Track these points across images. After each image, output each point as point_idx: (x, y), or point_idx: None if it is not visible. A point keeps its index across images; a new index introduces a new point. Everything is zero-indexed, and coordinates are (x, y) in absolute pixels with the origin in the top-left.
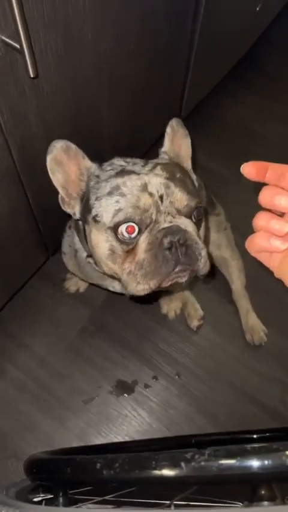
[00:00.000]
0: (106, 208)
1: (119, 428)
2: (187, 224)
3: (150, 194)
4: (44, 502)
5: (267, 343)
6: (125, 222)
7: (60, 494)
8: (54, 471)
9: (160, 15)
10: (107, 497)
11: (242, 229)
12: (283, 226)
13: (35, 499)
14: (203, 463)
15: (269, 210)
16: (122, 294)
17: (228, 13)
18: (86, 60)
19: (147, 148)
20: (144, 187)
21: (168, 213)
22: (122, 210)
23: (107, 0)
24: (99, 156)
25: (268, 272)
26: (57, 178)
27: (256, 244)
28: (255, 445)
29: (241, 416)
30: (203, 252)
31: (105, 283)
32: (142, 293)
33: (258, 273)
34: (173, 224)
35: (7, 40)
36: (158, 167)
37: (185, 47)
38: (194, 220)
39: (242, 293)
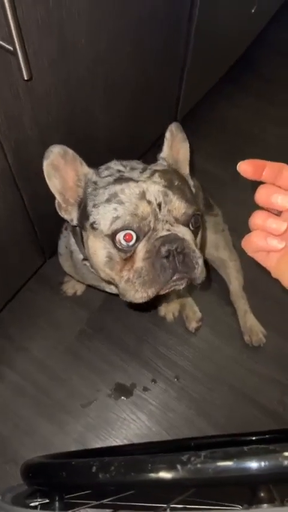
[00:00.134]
0: (104, 216)
1: (118, 431)
2: (185, 232)
3: (149, 202)
4: (39, 507)
5: (265, 344)
6: (123, 230)
7: (57, 498)
8: (50, 475)
9: (155, 17)
10: (103, 502)
11: (240, 231)
12: (280, 225)
13: (32, 504)
14: (199, 465)
15: (266, 209)
16: (119, 296)
17: (224, 15)
18: (80, 62)
19: (144, 150)
20: (143, 195)
21: (166, 221)
22: (120, 217)
23: (102, 3)
24: (95, 158)
25: (265, 273)
26: (54, 184)
27: (253, 244)
28: (252, 447)
29: (241, 418)
30: (200, 261)
31: (102, 285)
32: (140, 301)
33: (256, 274)
34: (171, 233)
35: (0, 42)
36: (156, 174)
37: (180, 49)
38: (191, 228)
39: (240, 294)
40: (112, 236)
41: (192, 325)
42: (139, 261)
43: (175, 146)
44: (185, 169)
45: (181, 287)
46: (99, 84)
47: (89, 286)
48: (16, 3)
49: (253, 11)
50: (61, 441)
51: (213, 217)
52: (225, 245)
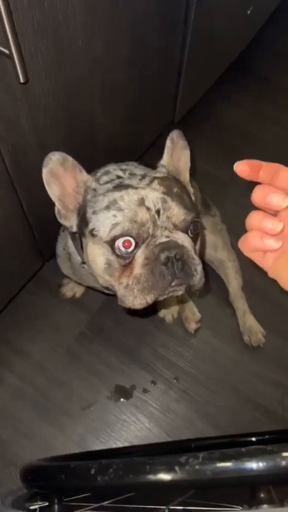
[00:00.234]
0: (103, 222)
1: (118, 433)
2: (184, 239)
3: (148, 208)
4: (38, 510)
5: (265, 345)
6: (122, 236)
7: (56, 501)
8: (49, 478)
9: (150, 19)
10: (102, 504)
11: (238, 231)
12: (276, 225)
13: (32, 507)
14: (197, 467)
15: (262, 210)
16: (118, 302)
17: (220, 16)
18: (77, 65)
19: (142, 151)
20: (142, 202)
21: (165, 228)
22: (119, 224)
23: (97, 5)
24: (93, 159)
25: (262, 273)
26: (53, 191)
27: (250, 244)
28: (250, 448)
29: (241, 419)
30: (199, 268)
31: (101, 287)
32: (139, 307)
33: (255, 275)
34: (170, 239)
35: None
36: (156, 181)
37: (176, 50)
38: (190, 235)
39: (238, 294)
40: (111, 243)
41: (192, 326)
42: (138, 268)
43: (176, 154)
44: (185, 178)
45: (179, 293)
46: (97, 86)
47: (88, 287)
48: (12, 6)
49: (249, 12)
50: (61, 444)
51: (211, 218)
52: (223, 245)
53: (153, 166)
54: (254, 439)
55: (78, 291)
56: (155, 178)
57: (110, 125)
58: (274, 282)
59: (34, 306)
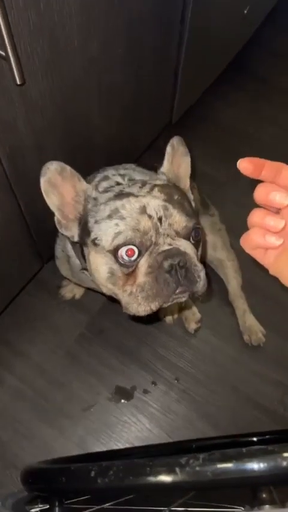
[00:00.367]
0: (106, 232)
1: (119, 435)
2: (186, 246)
3: (149, 216)
4: None
5: (266, 344)
6: (125, 245)
7: (56, 504)
8: (49, 480)
9: (146, 20)
10: (103, 506)
11: (237, 231)
12: (278, 223)
13: (32, 510)
14: (197, 468)
15: (264, 208)
16: (123, 310)
17: (216, 16)
18: (73, 65)
19: (139, 154)
20: (143, 210)
21: (168, 235)
22: (122, 233)
23: (93, 5)
24: (90, 162)
25: (264, 273)
26: (52, 201)
27: (251, 241)
28: (251, 448)
29: (242, 419)
30: (202, 274)
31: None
32: (143, 313)
33: (254, 274)
34: (173, 247)
35: None
36: (156, 189)
37: (173, 50)
38: (192, 241)
39: (238, 293)
40: (114, 252)
41: (192, 326)
42: (142, 276)
43: (176, 161)
44: (186, 184)
45: (183, 300)
46: (93, 86)
47: (87, 289)
48: (7, 7)
49: (246, 11)
50: (62, 445)
51: (210, 217)
52: (222, 245)
53: (152, 166)
54: (255, 439)
55: (78, 292)
56: (155, 185)
57: (107, 126)
58: (274, 281)
59: (33, 308)
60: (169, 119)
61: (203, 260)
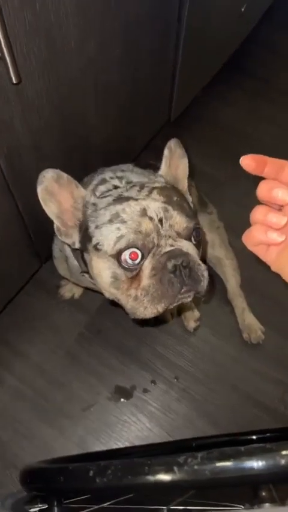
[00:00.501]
0: (107, 236)
1: (119, 434)
2: (188, 247)
3: (150, 218)
4: None
5: (265, 342)
6: (128, 248)
7: (55, 503)
8: (48, 480)
9: (143, 19)
10: (102, 505)
11: (236, 229)
12: (280, 219)
13: (31, 510)
14: (196, 467)
15: (267, 205)
16: (128, 314)
17: (213, 14)
18: (70, 65)
19: (136, 154)
20: (144, 212)
21: (169, 237)
22: (124, 236)
23: (89, 6)
24: (87, 163)
25: (263, 271)
26: (50, 209)
27: (253, 238)
28: (249, 446)
29: (242, 418)
30: (205, 273)
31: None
32: (150, 316)
33: (254, 272)
34: (175, 248)
35: None
36: (155, 191)
37: (170, 50)
38: (193, 241)
39: (237, 292)
40: (117, 256)
41: (191, 324)
42: (146, 279)
43: (174, 163)
44: (184, 186)
45: (188, 300)
46: (90, 86)
47: (86, 288)
48: (2, 7)
49: (243, 9)
50: (62, 445)
51: (208, 215)
52: (221, 243)
53: (149, 164)
54: (254, 437)
55: (77, 292)
56: (154, 188)
57: (103, 126)
58: (273, 279)
59: (32, 308)
60: (166, 118)
61: (203, 259)
